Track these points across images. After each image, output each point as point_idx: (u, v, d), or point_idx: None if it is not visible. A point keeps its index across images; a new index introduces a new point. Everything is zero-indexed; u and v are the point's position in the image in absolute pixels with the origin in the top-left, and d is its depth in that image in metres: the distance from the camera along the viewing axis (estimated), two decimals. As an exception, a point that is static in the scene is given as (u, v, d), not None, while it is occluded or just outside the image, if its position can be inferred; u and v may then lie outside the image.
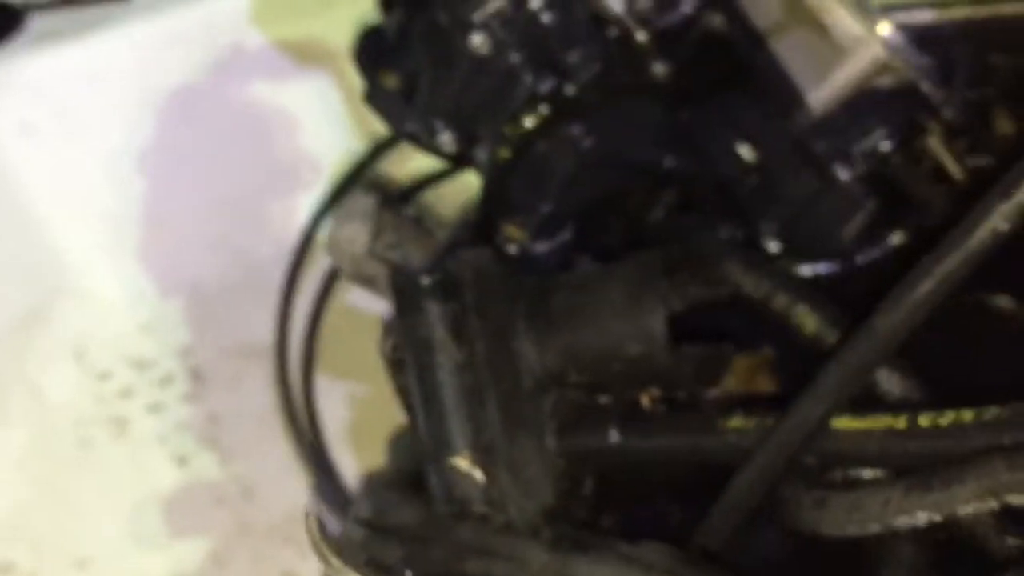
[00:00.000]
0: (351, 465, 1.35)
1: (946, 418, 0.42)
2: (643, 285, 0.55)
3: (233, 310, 1.52)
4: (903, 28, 0.98)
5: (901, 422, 0.43)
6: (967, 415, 0.42)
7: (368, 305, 1.45)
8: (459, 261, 0.58)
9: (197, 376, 1.46)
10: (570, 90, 0.64)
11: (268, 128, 1.53)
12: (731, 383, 0.63)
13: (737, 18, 0.80)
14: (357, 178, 1.31)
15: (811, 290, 0.64)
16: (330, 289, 1.30)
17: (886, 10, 0.90)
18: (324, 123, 1.54)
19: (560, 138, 0.68)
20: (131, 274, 1.49)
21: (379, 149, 1.27)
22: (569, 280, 0.59)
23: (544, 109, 0.65)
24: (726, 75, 0.85)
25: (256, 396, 1.48)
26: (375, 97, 0.74)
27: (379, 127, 1.51)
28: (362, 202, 0.76)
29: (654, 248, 0.62)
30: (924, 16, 1.07)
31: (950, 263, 0.42)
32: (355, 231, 0.73)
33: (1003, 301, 0.86)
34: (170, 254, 1.49)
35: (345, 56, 1.51)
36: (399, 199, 0.82)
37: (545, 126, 0.65)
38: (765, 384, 0.68)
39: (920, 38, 0.90)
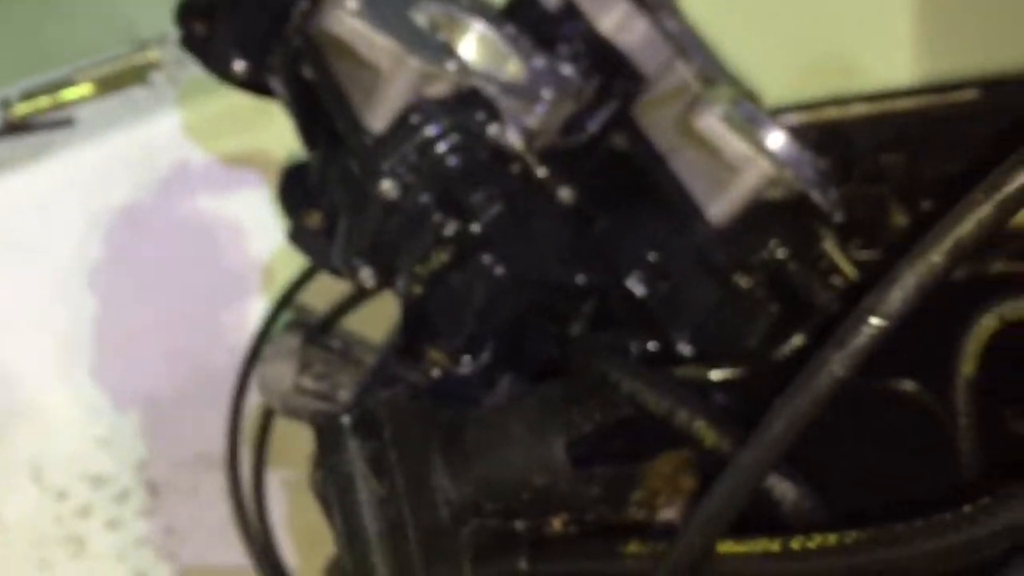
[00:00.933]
0: (308, 571, 1.37)
1: (814, 541, 0.46)
2: (544, 417, 0.59)
3: (188, 421, 1.54)
4: (800, 128, 1.05)
5: (775, 545, 0.47)
6: (832, 538, 0.46)
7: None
8: (377, 399, 0.62)
9: (154, 490, 1.48)
10: (475, 228, 0.69)
11: (217, 239, 1.57)
12: (653, 486, 0.67)
13: (639, 139, 0.86)
14: (297, 291, 1.34)
15: (709, 404, 0.68)
16: (248, 374, 1.32)
17: (779, 112, 0.97)
18: (272, 228, 1.58)
19: (471, 269, 0.72)
20: (86, 390, 1.51)
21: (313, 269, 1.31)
22: (480, 415, 0.63)
23: (451, 248, 0.69)
24: (630, 190, 0.91)
25: (212, 507, 1.50)
26: (298, 235, 0.78)
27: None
28: (286, 341, 0.80)
29: (554, 381, 0.66)
30: (826, 113, 1.14)
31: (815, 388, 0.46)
32: (281, 370, 0.77)
33: (907, 385, 0.91)
34: (124, 368, 1.51)
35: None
36: (323, 331, 0.85)
37: (454, 262, 0.69)
38: (688, 483, 0.71)
39: (818, 137, 0.97)
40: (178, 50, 1.64)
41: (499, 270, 0.73)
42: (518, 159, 0.72)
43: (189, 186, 1.54)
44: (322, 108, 0.85)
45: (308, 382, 0.77)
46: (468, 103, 0.71)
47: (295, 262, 1.59)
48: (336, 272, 0.78)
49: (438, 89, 0.71)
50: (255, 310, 1.59)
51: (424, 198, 0.71)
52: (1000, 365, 0.73)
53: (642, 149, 0.86)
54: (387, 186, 0.70)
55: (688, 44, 0.90)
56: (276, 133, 1.52)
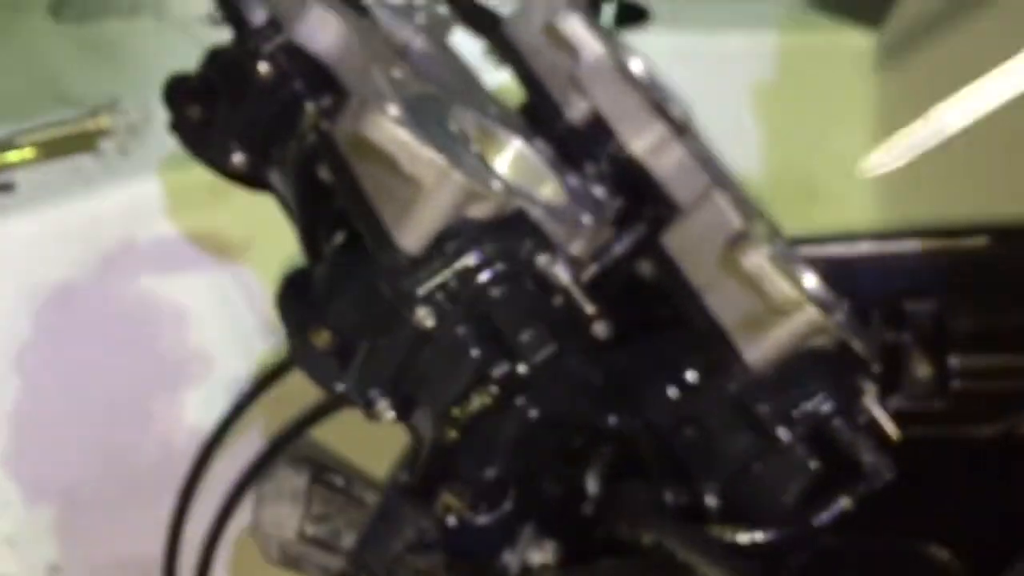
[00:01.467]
0: None
1: None
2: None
3: (108, 522, 1.40)
4: (817, 261, 1.01)
5: None
6: None
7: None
8: (409, 570, 0.53)
9: (65, 598, 1.33)
10: (523, 370, 0.62)
11: (157, 324, 1.46)
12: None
13: (669, 269, 0.80)
14: (260, 392, 1.24)
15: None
16: (235, 503, 1.20)
17: (796, 243, 0.92)
18: (217, 316, 1.48)
19: (506, 412, 0.64)
20: (-3, 482, 1.37)
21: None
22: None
23: (495, 390, 0.62)
24: (656, 324, 0.85)
25: (135, 618, 1.36)
26: (304, 355, 0.70)
27: (274, 325, 1.47)
28: (290, 480, 0.71)
29: (625, 561, 0.58)
30: (835, 249, 1.11)
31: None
32: (284, 514, 0.68)
33: (937, 551, 0.86)
34: (41, 460, 1.37)
35: (240, 248, 1.47)
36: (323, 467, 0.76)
37: (496, 406, 0.62)
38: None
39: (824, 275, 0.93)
40: (130, 118, 1.55)
41: (533, 412, 0.65)
42: (563, 292, 0.65)
43: (132, 266, 1.43)
44: (332, 214, 0.78)
45: (311, 527, 0.67)
46: (514, 228, 0.65)
47: (239, 355, 1.49)
48: (343, 399, 0.70)
49: (481, 209, 0.64)
50: (192, 403, 1.48)
51: (462, 330, 0.63)
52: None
53: (672, 281, 0.80)
54: (423, 314, 0.62)
55: (718, 171, 0.86)
56: (231, 213, 1.44)
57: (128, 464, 1.44)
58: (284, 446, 1.14)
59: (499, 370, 0.61)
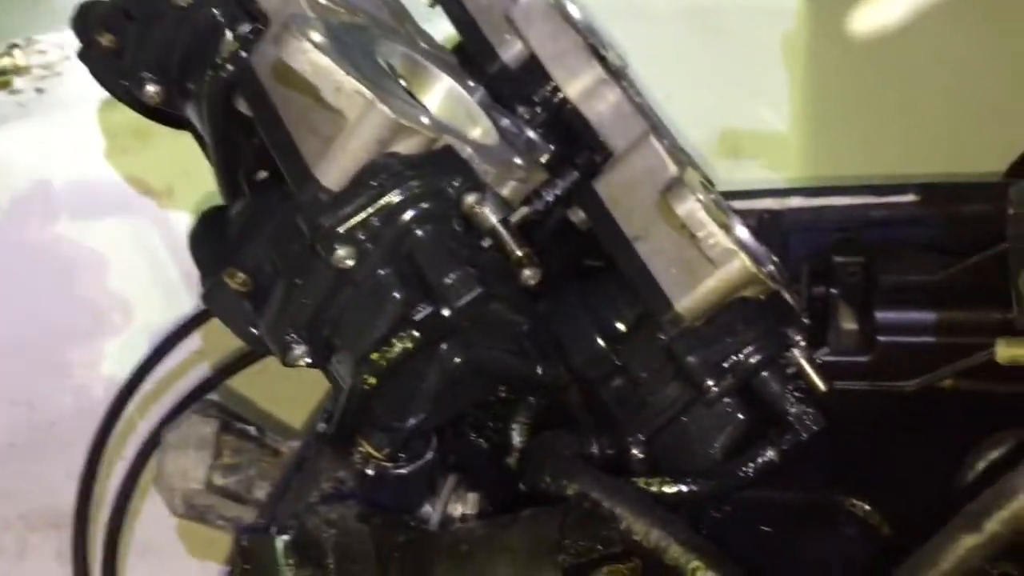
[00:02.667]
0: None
1: None
2: (536, 554, 0.50)
3: (20, 473, 1.35)
4: (748, 214, 1.00)
5: None
6: None
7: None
8: (319, 518, 0.51)
9: (-26, 550, 1.28)
10: (448, 313, 0.59)
11: (74, 270, 1.40)
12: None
13: (601, 216, 0.78)
14: (177, 343, 1.19)
15: (707, 545, 0.60)
16: (147, 456, 1.16)
17: (728, 196, 0.91)
18: (137, 264, 1.42)
19: (429, 357, 0.62)
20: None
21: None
22: (452, 545, 0.53)
23: (418, 335, 0.59)
24: (586, 271, 0.83)
25: (44, 572, 1.31)
26: (216, 297, 0.66)
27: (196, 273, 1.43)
28: (197, 427, 0.67)
29: (546, 510, 0.56)
30: (763, 203, 1.10)
31: None
32: (188, 463, 0.64)
33: (858, 503, 0.86)
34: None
35: (164, 194, 1.42)
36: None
37: (418, 350, 0.59)
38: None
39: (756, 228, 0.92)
40: (47, 56, 1.48)
41: (457, 359, 0.63)
42: (492, 234, 0.62)
43: (47, 208, 1.37)
44: (252, 150, 0.74)
45: (219, 478, 0.64)
46: (442, 165, 0.62)
47: (158, 301, 1.44)
48: (257, 344, 0.66)
49: (408, 145, 0.61)
50: (111, 352, 1.43)
51: (384, 271, 0.60)
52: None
53: (604, 228, 0.78)
54: (343, 253, 0.59)
55: (654, 119, 0.84)
56: (155, 159, 1.39)
57: (43, 414, 1.39)
58: (199, 396, 1.10)
59: (421, 313, 0.58)
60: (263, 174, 0.74)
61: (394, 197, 0.60)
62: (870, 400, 0.88)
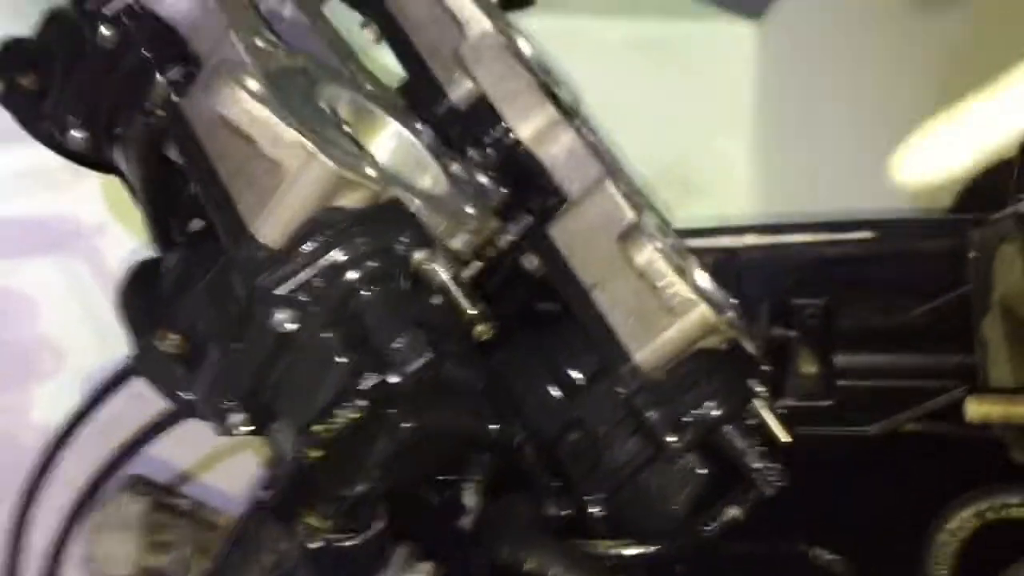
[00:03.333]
0: None
1: None
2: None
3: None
4: (703, 253, 0.98)
5: None
6: None
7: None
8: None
9: None
10: (396, 380, 0.55)
11: (1, 313, 1.34)
12: None
13: (556, 263, 0.75)
14: (106, 396, 1.13)
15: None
16: (74, 525, 1.10)
17: (681, 234, 0.89)
18: (69, 305, 1.36)
19: (376, 424, 0.58)
20: None
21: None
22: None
23: (363, 404, 0.55)
24: (540, 320, 0.80)
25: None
26: (146, 360, 0.62)
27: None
28: (126, 506, 0.62)
29: None
30: (718, 241, 1.08)
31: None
32: (119, 546, 0.59)
33: (824, 555, 0.84)
34: None
35: (96, 232, 1.36)
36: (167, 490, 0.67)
37: (365, 421, 0.55)
38: None
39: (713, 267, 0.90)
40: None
41: (406, 424, 0.59)
42: (442, 291, 0.59)
43: (-26, 249, 1.31)
44: (185, 198, 0.70)
45: (152, 558, 0.60)
46: (388, 220, 0.58)
47: (91, 343, 1.38)
48: (190, 410, 0.62)
49: (352, 199, 0.58)
50: (42, 398, 1.37)
51: (327, 335, 0.56)
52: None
53: (559, 275, 0.75)
54: (283, 317, 0.55)
55: (609, 160, 0.81)
56: (87, 195, 1.33)
57: (-32, 465, 1.32)
58: (122, 463, 1.04)
59: (368, 382, 0.55)
60: (197, 224, 0.70)
61: (338, 255, 0.56)
62: (831, 445, 0.86)
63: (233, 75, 0.56)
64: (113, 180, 1.33)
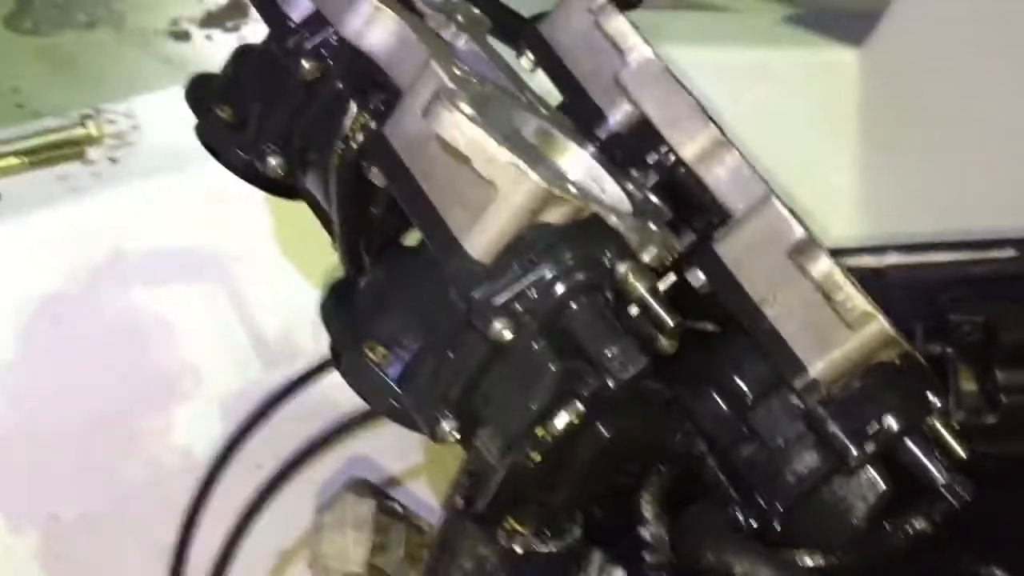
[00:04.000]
0: None
1: None
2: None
3: (96, 547, 1.34)
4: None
5: None
6: None
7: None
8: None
9: (50, 626, 1.26)
10: (612, 385, 0.57)
11: (145, 338, 1.40)
12: None
13: (725, 280, 0.77)
14: (274, 407, 1.17)
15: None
16: (243, 531, 1.14)
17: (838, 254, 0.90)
18: (208, 331, 1.42)
19: (581, 432, 0.60)
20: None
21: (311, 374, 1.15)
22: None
23: (582, 407, 0.57)
24: (711, 336, 0.82)
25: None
26: (355, 371, 0.65)
27: (272, 333, 1.41)
28: (356, 508, 0.65)
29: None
30: (863, 260, 1.09)
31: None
32: (349, 544, 0.62)
33: (993, 571, 0.84)
34: (26, 481, 1.30)
35: (234, 261, 1.41)
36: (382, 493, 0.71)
37: (584, 425, 0.58)
38: None
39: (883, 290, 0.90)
40: (118, 126, 1.49)
41: (609, 432, 0.61)
42: (641, 303, 0.61)
43: (121, 277, 1.37)
44: (376, 220, 0.73)
45: (374, 558, 0.62)
46: (592, 234, 0.61)
47: (229, 368, 1.43)
48: (399, 418, 0.65)
49: (556, 215, 0.60)
50: (182, 421, 1.42)
51: (540, 343, 0.59)
52: None
53: (728, 292, 0.76)
54: (500, 326, 0.58)
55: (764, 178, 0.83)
56: (224, 227, 1.39)
57: (116, 486, 1.37)
58: (299, 465, 1.08)
59: (589, 387, 0.57)
60: (388, 245, 0.73)
61: (549, 269, 0.59)
62: (996, 462, 0.86)
63: (451, 100, 0.59)
64: (249, 212, 1.39)
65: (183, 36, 1.74)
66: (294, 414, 1.21)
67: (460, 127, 0.59)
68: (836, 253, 1.05)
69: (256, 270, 1.42)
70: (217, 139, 0.77)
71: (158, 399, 1.41)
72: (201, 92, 0.80)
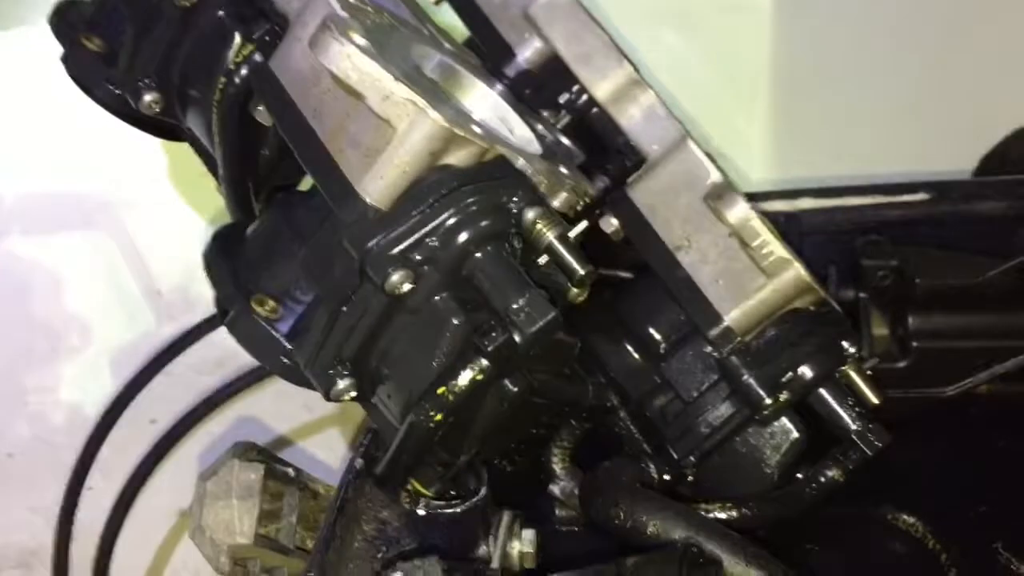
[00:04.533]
0: None
1: None
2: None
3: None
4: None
5: None
6: None
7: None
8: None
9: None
10: (519, 339, 0.53)
11: (27, 290, 1.31)
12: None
13: (639, 225, 0.73)
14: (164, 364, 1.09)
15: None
16: (136, 489, 1.08)
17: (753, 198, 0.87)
18: (96, 282, 1.34)
19: (485, 388, 0.56)
20: None
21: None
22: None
23: (487, 363, 0.53)
24: (623, 283, 0.79)
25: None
26: (241, 327, 0.60)
27: (167, 282, 1.34)
28: (242, 475, 0.60)
29: (652, 559, 0.52)
30: (774, 205, 1.07)
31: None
32: (234, 515, 0.58)
33: (904, 517, 0.84)
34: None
35: (123, 207, 1.33)
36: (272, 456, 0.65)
37: (487, 382, 0.54)
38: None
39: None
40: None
41: (515, 388, 0.58)
42: (550, 251, 0.57)
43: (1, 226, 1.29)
44: (265, 161, 0.68)
45: (263, 528, 0.58)
46: (498, 178, 0.56)
47: (120, 320, 1.36)
48: (291, 376, 0.60)
49: (460, 156, 0.56)
50: (69, 374, 1.34)
51: (443, 296, 0.55)
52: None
53: (643, 238, 0.73)
54: (398, 278, 0.53)
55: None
56: (112, 171, 1.30)
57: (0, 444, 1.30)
58: (188, 430, 1.03)
59: (494, 341, 0.53)
60: (279, 188, 0.68)
61: (451, 215, 0.54)
62: (906, 407, 0.85)
63: (341, 30, 0.54)
64: (139, 155, 1.30)
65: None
66: (192, 367, 1.15)
67: (352, 60, 0.53)
68: (750, 198, 1.04)
69: (149, 215, 1.34)
70: (86, 73, 0.70)
71: (43, 354, 1.34)
72: (68, 20, 0.72)
